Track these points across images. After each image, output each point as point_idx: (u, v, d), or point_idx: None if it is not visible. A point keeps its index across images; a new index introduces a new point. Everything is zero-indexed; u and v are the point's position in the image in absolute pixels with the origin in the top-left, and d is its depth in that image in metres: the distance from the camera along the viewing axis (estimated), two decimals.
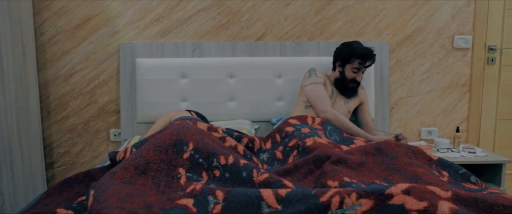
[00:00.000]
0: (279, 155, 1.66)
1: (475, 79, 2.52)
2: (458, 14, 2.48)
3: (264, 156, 1.68)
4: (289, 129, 1.79)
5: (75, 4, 2.37)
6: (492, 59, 2.50)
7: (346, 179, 1.22)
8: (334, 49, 2.37)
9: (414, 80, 2.53)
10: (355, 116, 2.31)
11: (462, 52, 2.52)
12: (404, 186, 0.92)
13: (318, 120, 1.94)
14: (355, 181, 1.22)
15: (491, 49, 2.49)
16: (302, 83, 2.16)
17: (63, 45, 2.40)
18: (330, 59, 2.33)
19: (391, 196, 0.91)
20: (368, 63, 2.07)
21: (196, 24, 2.42)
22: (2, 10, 1.98)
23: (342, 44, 2.15)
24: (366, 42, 2.38)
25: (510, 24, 2.49)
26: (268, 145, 1.78)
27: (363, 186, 1.20)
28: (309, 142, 1.59)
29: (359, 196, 0.93)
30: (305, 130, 1.74)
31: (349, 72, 2.10)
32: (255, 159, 1.55)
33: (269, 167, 1.58)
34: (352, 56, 2.06)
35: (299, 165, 1.41)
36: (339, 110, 2.12)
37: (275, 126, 2.16)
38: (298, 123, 1.87)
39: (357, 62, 2.06)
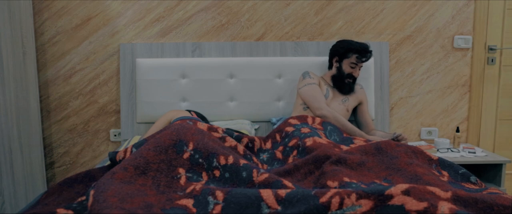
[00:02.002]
0: (279, 155, 1.65)
1: (475, 79, 2.52)
2: (458, 14, 2.48)
3: (264, 156, 1.68)
4: (289, 129, 1.79)
5: (75, 4, 2.37)
6: (492, 59, 2.50)
7: (346, 179, 1.22)
8: None
9: (414, 80, 2.53)
10: (355, 116, 2.31)
11: (462, 52, 2.52)
12: (404, 186, 0.92)
13: (318, 120, 1.94)
14: (355, 181, 1.22)
15: (491, 49, 2.49)
16: (297, 87, 2.18)
17: (63, 45, 2.40)
18: None
19: (391, 196, 0.91)
20: (364, 58, 2.11)
21: (196, 24, 2.42)
22: (2, 10, 1.98)
23: (338, 41, 2.19)
24: (366, 42, 2.37)
25: (510, 24, 2.49)
26: (268, 145, 1.78)
27: (363, 186, 1.20)
28: (309, 142, 1.59)
29: (359, 197, 0.93)
30: (305, 129, 1.74)
31: (346, 67, 2.13)
32: (255, 159, 1.55)
33: (269, 167, 1.57)
34: (349, 51, 2.11)
35: (299, 165, 1.40)
36: (336, 109, 2.13)
37: (275, 126, 2.16)
38: (298, 123, 1.87)
39: (355, 57, 2.11)
